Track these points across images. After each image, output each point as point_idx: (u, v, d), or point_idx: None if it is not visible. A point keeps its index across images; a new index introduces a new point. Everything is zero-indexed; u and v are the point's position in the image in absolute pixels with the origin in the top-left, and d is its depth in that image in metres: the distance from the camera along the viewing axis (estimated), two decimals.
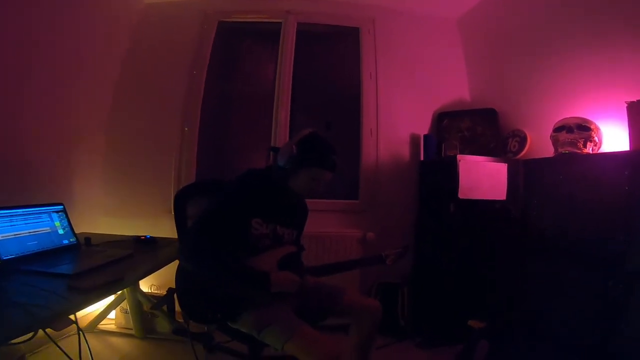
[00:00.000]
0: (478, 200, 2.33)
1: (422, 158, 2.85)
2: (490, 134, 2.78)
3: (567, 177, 1.84)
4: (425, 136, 2.83)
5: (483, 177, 2.35)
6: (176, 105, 2.82)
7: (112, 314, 2.52)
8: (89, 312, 2.51)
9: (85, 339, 1.48)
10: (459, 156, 2.34)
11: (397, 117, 2.89)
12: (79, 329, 1.40)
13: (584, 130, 1.94)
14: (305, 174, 1.48)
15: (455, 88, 3.04)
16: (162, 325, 2.46)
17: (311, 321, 1.44)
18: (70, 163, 2.52)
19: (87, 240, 2.01)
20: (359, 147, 2.88)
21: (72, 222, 2.01)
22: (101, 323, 2.50)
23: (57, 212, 1.95)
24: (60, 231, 1.91)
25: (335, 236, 2.68)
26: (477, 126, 2.83)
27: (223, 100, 3.01)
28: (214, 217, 1.42)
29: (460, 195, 2.29)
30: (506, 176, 2.40)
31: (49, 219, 1.89)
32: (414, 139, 2.91)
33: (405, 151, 2.90)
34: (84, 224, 2.29)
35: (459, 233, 2.34)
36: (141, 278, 1.84)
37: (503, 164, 2.42)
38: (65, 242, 1.91)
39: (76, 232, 2.01)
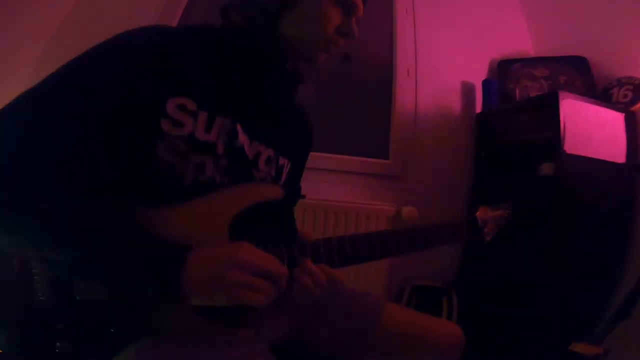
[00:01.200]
0: (587, 160, 1.48)
1: (479, 110, 2.09)
2: (580, 84, 2.00)
3: None
4: (486, 82, 2.07)
5: (592, 129, 1.52)
6: None
7: None
8: None
9: None
10: (561, 93, 1.50)
11: (441, 62, 2.16)
12: None
13: None
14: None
15: (518, 32, 2.35)
16: None
17: None
18: None
19: None
20: (390, 89, 2.09)
21: None
22: None
23: None
24: None
25: (355, 210, 1.81)
26: (559, 75, 2.08)
27: None
28: (54, 89, 0.57)
29: (567, 149, 1.44)
30: (624, 131, 1.57)
31: None
32: (467, 88, 2.16)
33: (454, 101, 2.13)
34: None
35: (554, 209, 1.47)
36: None
37: (619, 113, 1.60)
38: None
39: None
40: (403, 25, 2.19)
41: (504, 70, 2.19)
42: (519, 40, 2.34)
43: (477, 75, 2.17)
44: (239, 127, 0.71)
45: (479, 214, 0.88)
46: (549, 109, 1.52)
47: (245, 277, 0.56)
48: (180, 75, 0.64)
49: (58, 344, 0.59)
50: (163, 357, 0.60)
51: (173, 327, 0.61)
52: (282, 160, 0.83)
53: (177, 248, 0.56)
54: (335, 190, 1.85)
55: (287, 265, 0.66)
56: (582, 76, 2.04)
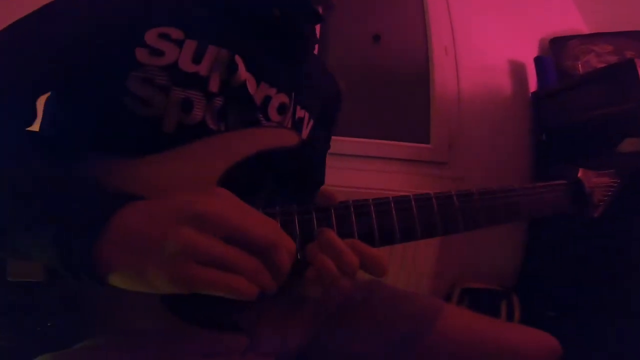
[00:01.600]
0: None
1: (534, 89, 1.89)
2: None
3: None
4: (539, 59, 1.88)
5: None
6: None
7: None
8: None
9: None
10: (637, 60, 1.29)
11: (483, 40, 1.99)
12: None
13: None
14: None
15: (566, 8, 2.15)
16: None
17: None
18: None
19: None
20: (426, 69, 1.93)
21: None
22: None
23: None
24: None
25: None
26: (624, 50, 1.89)
27: None
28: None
29: None
30: None
31: None
32: (516, 67, 1.97)
33: (503, 81, 1.93)
34: None
35: None
36: None
37: None
38: None
39: None
40: (434, 3, 2.03)
41: (559, 48, 1.99)
42: (568, 16, 2.15)
43: (526, 54, 1.98)
44: (239, 60, 0.55)
45: (581, 175, 0.65)
46: (623, 79, 1.31)
47: (206, 243, 0.33)
48: (164, 3, 0.53)
49: None
50: None
51: (136, 324, 0.44)
52: (301, 112, 0.65)
53: (104, 198, 0.37)
54: (372, 178, 1.67)
55: (300, 238, 0.44)
56: None
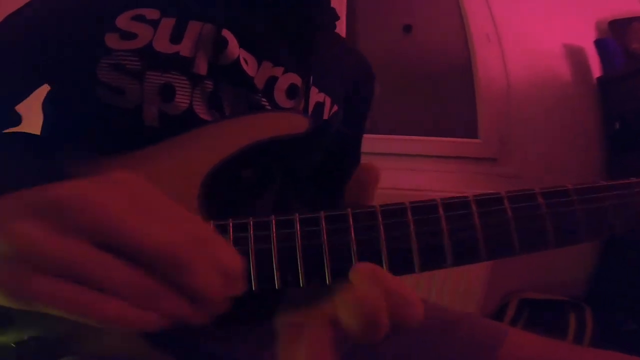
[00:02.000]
0: None
1: (597, 74, 1.72)
2: None
3: None
4: (601, 42, 1.72)
5: None
6: None
7: None
8: None
9: None
10: None
11: (531, 24, 1.85)
12: None
13: None
14: None
15: None
16: None
17: None
18: None
19: None
20: (467, 58, 1.81)
21: None
22: None
23: None
24: None
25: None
26: None
27: None
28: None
29: None
30: None
31: None
32: (573, 52, 1.80)
33: (560, 67, 1.76)
34: None
35: None
36: None
37: None
38: None
39: None
40: None
41: (621, 30, 1.83)
42: None
43: (582, 37, 1.83)
44: (228, 34, 0.47)
45: None
46: None
47: (53, 243, 0.22)
48: None
49: None
50: None
51: (104, 348, 0.35)
52: (319, 96, 0.53)
53: None
54: (413, 178, 1.56)
55: (304, 253, 0.30)
56: None
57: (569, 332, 1.37)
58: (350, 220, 0.30)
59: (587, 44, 1.80)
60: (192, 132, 0.40)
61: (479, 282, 1.44)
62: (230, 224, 0.31)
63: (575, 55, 1.80)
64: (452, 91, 1.79)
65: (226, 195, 0.39)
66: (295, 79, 0.51)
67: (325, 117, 0.55)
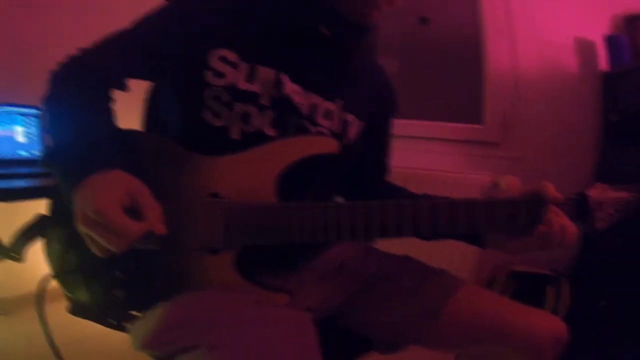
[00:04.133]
0: None
1: (605, 67, 1.79)
2: None
3: None
4: (611, 38, 1.77)
5: None
6: None
7: None
8: None
9: None
10: None
11: (546, 17, 1.92)
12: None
13: None
14: None
15: None
16: None
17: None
18: None
19: None
20: (478, 50, 1.91)
21: None
22: None
23: (24, 114, 1.48)
24: (20, 138, 1.48)
25: (444, 179, 1.68)
26: None
27: None
28: (128, 28, 0.69)
29: None
30: None
31: (6, 120, 1.44)
32: (584, 45, 1.87)
33: (567, 59, 1.84)
34: None
35: None
36: None
37: None
38: (23, 153, 1.48)
39: None
40: None
41: (635, 26, 1.85)
42: None
43: (594, 32, 1.87)
44: (284, 77, 0.68)
45: (593, 192, 0.67)
46: None
47: (86, 227, 0.50)
48: (225, 28, 0.67)
49: (115, 291, 0.63)
50: (193, 305, 0.59)
51: (213, 280, 0.61)
52: (348, 116, 0.75)
53: (96, 162, 0.53)
54: (420, 159, 1.73)
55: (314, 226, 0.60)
56: None
57: (546, 304, 1.55)
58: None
59: (599, 38, 1.84)
60: (261, 147, 0.64)
61: (471, 254, 1.61)
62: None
63: (584, 49, 1.86)
64: (464, 80, 1.91)
65: (289, 190, 0.62)
66: (330, 105, 0.72)
67: (350, 131, 0.75)
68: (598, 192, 0.67)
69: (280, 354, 0.51)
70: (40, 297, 0.61)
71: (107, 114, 0.64)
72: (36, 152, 1.49)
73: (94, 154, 0.55)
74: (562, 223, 0.60)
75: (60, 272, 0.65)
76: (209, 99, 0.65)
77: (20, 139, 1.47)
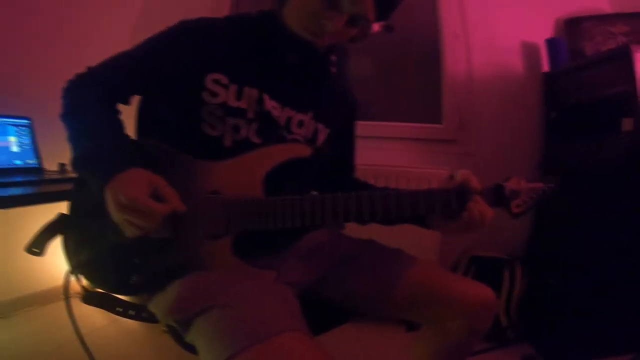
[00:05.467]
0: None
1: (546, 69, 1.95)
2: None
3: None
4: (551, 40, 1.92)
5: None
6: None
7: None
8: None
9: None
10: (632, 46, 1.35)
11: (495, 22, 2.06)
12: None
13: None
14: None
15: None
16: None
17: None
18: None
19: (61, 167, 1.62)
20: (437, 54, 2.05)
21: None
22: None
23: (16, 125, 1.56)
24: (14, 148, 1.54)
25: (406, 174, 1.79)
26: None
27: None
28: (132, 50, 0.83)
29: None
30: None
31: (1, 131, 1.51)
32: (529, 48, 2.03)
33: (515, 62, 2.00)
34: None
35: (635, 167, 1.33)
36: None
37: None
38: (18, 162, 1.54)
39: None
40: None
41: (573, 29, 2.01)
42: None
43: (540, 35, 2.01)
44: (265, 96, 0.82)
45: (509, 183, 0.78)
46: (622, 63, 1.38)
47: (123, 213, 0.65)
48: (218, 56, 0.79)
49: (133, 277, 0.74)
50: (202, 279, 0.71)
51: (215, 261, 0.74)
52: (318, 125, 0.90)
53: (120, 164, 0.68)
54: (387, 156, 1.85)
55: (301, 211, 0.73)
56: None
57: (503, 285, 1.68)
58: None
59: (542, 41, 1.97)
60: (251, 153, 0.77)
61: (434, 241, 1.75)
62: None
63: (529, 51, 2.01)
64: (425, 84, 2.03)
65: (274, 188, 0.76)
66: (302, 117, 0.87)
67: (320, 137, 0.90)
68: (514, 183, 0.78)
69: (276, 311, 0.63)
70: (66, 290, 0.75)
71: (121, 125, 0.78)
72: (30, 161, 1.57)
73: (119, 156, 0.70)
74: (480, 210, 0.72)
75: (80, 264, 0.77)
76: (207, 114, 0.78)
77: (15, 148, 1.54)
